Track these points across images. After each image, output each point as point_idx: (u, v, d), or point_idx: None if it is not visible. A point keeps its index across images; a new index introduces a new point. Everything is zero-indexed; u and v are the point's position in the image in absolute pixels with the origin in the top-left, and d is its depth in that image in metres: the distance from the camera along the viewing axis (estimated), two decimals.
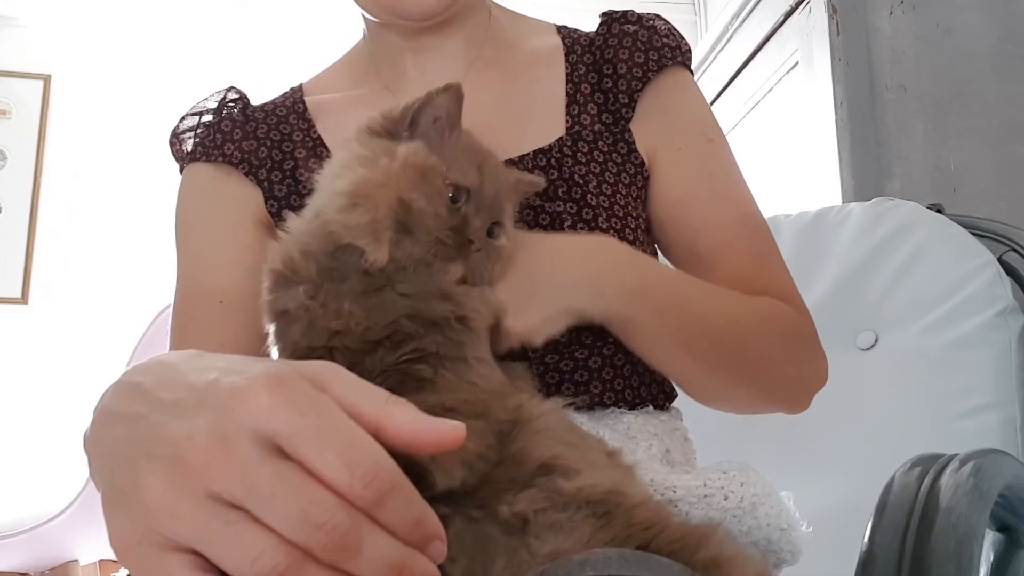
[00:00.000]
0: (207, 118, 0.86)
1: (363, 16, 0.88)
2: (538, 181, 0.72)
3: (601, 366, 0.75)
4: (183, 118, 0.87)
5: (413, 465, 0.48)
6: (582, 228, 0.78)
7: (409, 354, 0.57)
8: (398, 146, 0.62)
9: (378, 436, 0.41)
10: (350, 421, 0.40)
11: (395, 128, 0.63)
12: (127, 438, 0.41)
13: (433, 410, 0.54)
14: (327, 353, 0.58)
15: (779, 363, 0.78)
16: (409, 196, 0.59)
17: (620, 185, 0.82)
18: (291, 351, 0.60)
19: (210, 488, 0.38)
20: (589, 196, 0.79)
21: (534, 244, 0.70)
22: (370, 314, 0.57)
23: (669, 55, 0.86)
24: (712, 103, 2.55)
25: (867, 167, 1.85)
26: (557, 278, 0.68)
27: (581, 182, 0.79)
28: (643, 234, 0.83)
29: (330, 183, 0.62)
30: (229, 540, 0.37)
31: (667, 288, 0.73)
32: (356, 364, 0.57)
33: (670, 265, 0.87)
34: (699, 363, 0.75)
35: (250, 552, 0.37)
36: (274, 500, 0.37)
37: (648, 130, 0.85)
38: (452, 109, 0.63)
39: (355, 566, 0.38)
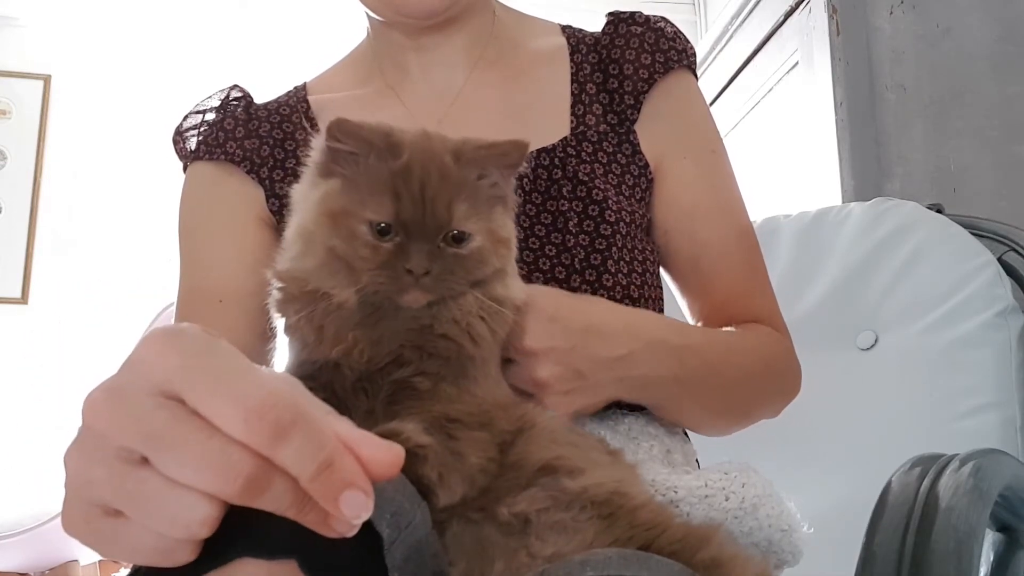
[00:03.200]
0: (210, 116, 0.86)
1: (367, 15, 0.88)
2: (515, 143, 0.62)
3: None
4: (186, 116, 0.88)
5: (413, 482, 0.49)
6: (588, 225, 0.78)
7: (411, 372, 0.58)
8: (316, 186, 0.60)
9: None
10: (247, 360, 0.38)
11: (325, 163, 0.60)
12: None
13: (437, 420, 0.54)
14: (334, 366, 0.58)
15: (776, 398, 0.85)
16: (331, 243, 0.57)
17: (624, 186, 0.82)
18: (299, 360, 0.60)
19: (117, 447, 0.37)
20: (595, 192, 0.79)
21: (580, 312, 0.68)
22: (374, 344, 0.57)
23: (675, 57, 0.86)
24: (712, 103, 2.54)
25: (867, 167, 1.85)
26: (605, 369, 0.68)
27: (586, 180, 0.80)
28: (643, 234, 0.84)
29: (287, 227, 0.63)
30: (144, 500, 0.37)
31: (699, 364, 0.75)
32: (363, 377, 0.58)
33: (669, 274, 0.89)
34: (711, 415, 0.80)
35: (163, 516, 0.37)
36: (176, 446, 0.36)
37: (655, 135, 0.85)
38: (348, 140, 0.58)
39: (259, 504, 0.36)
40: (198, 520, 0.37)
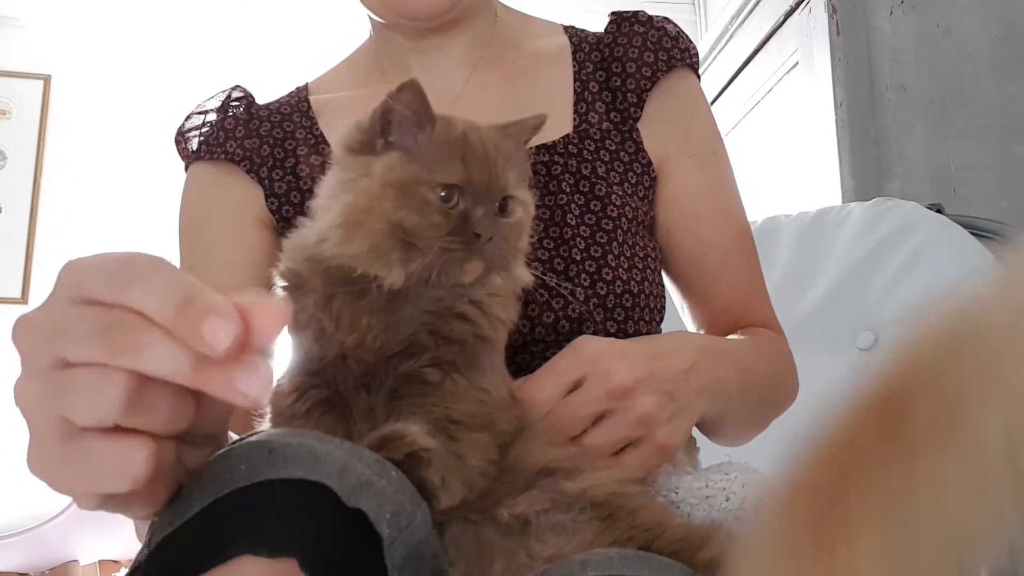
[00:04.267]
0: (211, 116, 0.86)
1: (369, 16, 0.88)
2: (538, 117, 0.65)
3: None
4: (188, 117, 0.88)
5: (416, 484, 0.49)
6: (589, 219, 0.78)
7: (424, 362, 0.57)
8: (374, 163, 0.58)
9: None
10: (135, 255, 0.39)
11: (369, 141, 0.59)
12: None
13: (439, 422, 0.54)
14: (340, 361, 0.57)
15: (785, 404, 0.85)
16: (398, 216, 0.56)
17: (627, 183, 0.83)
18: (304, 356, 0.60)
19: (46, 358, 0.38)
20: (597, 188, 0.80)
21: (637, 344, 0.69)
22: (388, 329, 0.57)
23: (678, 56, 0.86)
24: (712, 103, 2.54)
25: (867, 167, 1.85)
26: (685, 382, 0.68)
27: (588, 175, 0.80)
28: (645, 231, 0.84)
29: (325, 212, 0.60)
30: (73, 390, 0.38)
31: (748, 374, 0.76)
32: (369, 372, 0.58)
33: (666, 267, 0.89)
34: (748, 426, 0.82)
35: (86, 397, 0.37)
36: (69, 335, 0.37)
37: (657, 134, 0.85)
38: (416, 106, 0.58)
39: (145, 364, 0.36)
40: (119, 394, 0.37)
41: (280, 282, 0.61)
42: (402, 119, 0.58)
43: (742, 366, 0.76)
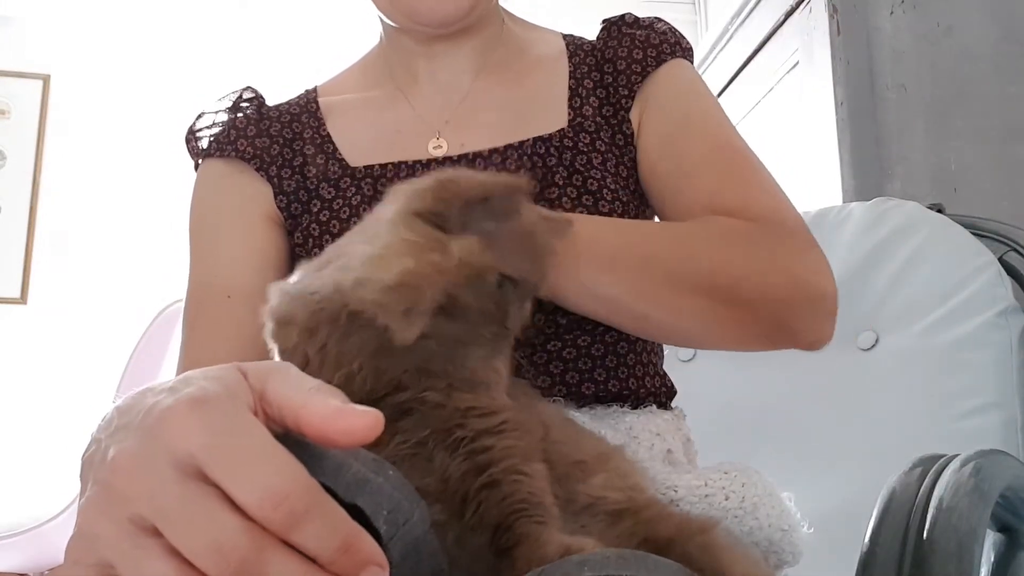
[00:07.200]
0: (222, 116, 0.88)
1: (380, 19, 0.90)
2: (568, 221, 0.64)
3: (604, 354, 0.76)
4: (200, 116, 0.89)
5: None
6: (580, 212, 0.78)
7: (422, 389, 0.56)
8: (450, 241, 0.56)
9: (300, 428, 0.40)
10: (270, 440, 0.38)
11: (445, 216, 0.57)
12: (87, 462, 0.42)
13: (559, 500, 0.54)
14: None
15: (750, 264, 0.72)
16: (457, 292, 0.55)
17: (619, 177, 0.83)
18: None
19: (131, 512, 0.38)
20: (590, 183, 0.80)
21: None
22: (378, 374, 0.55)
23: (668, 50, 0.87)
24: None
25: (867, 167, 1.85)
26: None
27: (582, 170, 0.81)
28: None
29: (368, 263, 0.56)
30: (135, 565, 0.37)
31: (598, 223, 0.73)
32: (363, 401, 0.56)
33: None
34: (656, 284, 0.70)
35: None
36: (182, 524, 0.37)
37: (642, 98, 0.85)
38: (514, 204, 0.58)
39: None
40: None
41: (269, 323, 0.59)
42: (494, 208, 0.57)
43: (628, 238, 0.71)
